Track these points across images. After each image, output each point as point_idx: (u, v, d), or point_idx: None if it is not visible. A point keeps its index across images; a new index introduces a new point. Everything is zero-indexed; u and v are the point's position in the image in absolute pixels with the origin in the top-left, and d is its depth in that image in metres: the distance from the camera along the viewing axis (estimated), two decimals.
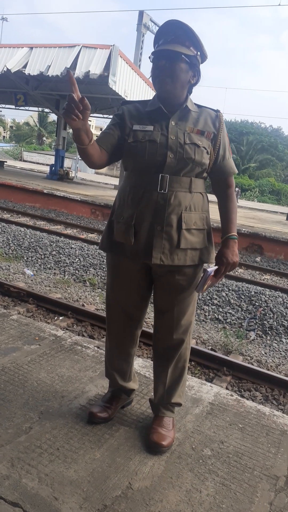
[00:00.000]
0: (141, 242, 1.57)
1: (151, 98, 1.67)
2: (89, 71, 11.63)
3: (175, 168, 1.53)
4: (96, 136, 1.59)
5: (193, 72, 1.55)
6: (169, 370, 1.75)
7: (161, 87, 1.53)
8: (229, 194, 1.72)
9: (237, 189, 33.54)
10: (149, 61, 1.56)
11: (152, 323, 4.19)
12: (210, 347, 3.96)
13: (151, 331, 3.66)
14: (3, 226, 7.46)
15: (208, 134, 1.58)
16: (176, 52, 1.48)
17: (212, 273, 1.63)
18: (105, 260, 6.03)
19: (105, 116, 20.73)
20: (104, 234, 1.72)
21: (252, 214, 17.37)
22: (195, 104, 1.63)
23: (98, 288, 5.31)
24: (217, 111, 1.65)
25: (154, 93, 1.64)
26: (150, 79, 1.61)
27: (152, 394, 2.01)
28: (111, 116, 21.94)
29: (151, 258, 1.56)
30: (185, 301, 1.68)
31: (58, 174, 18.24)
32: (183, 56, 1.48)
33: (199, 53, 1.54)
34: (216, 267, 1.66)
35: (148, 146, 1.52)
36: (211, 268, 1.64)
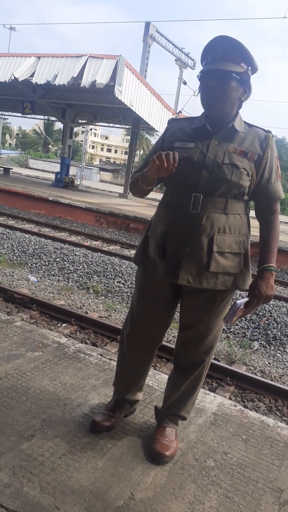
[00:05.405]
0: (169, 261, 1.54)
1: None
2: (95, 80, 11.78)
3: (210, 188, 1.47)
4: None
5: (244, 88, 1.49)
6: (183, 385, 1.73)
7: (211, 107, 1.49)
8: (272, 220, 1.62)
9: None
10: (197, 79, 1.52)
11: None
12: (213, 357, 3.94)
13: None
14: (8, 233, 7.49)
15: (252, 155, 1.50)
16: (226, 71, 1.42)
17: (242, 306, 1.55)
18: (108, 268, 6.04)
19: (110, 125, 20.90)
20: (138, 247, 1.72)
21: (256, 224, 17.31)
22: (245, 122, 1.56)
23: (101, 296, 5.30)
24: (267, 131, 1.56)
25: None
26: (199, 97, 1.54)
27: (156, 403, 2.00)
28: (116, 125, 21.92)
29: (178, 278, 1.53)
30: (210, 322, 1.62)
31: (64, 181, 18.34)
32: (234, 74, 1.43)
33: (249, 67, 1.47)
34: (247, 299, 1.57)
35: (183, 163, 1.45)
36: (241, 300, 1.56)
